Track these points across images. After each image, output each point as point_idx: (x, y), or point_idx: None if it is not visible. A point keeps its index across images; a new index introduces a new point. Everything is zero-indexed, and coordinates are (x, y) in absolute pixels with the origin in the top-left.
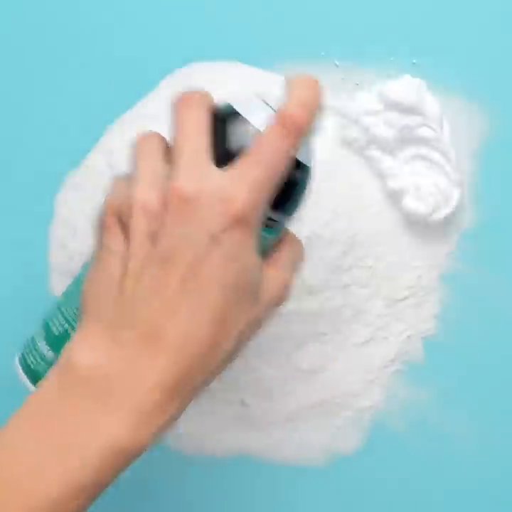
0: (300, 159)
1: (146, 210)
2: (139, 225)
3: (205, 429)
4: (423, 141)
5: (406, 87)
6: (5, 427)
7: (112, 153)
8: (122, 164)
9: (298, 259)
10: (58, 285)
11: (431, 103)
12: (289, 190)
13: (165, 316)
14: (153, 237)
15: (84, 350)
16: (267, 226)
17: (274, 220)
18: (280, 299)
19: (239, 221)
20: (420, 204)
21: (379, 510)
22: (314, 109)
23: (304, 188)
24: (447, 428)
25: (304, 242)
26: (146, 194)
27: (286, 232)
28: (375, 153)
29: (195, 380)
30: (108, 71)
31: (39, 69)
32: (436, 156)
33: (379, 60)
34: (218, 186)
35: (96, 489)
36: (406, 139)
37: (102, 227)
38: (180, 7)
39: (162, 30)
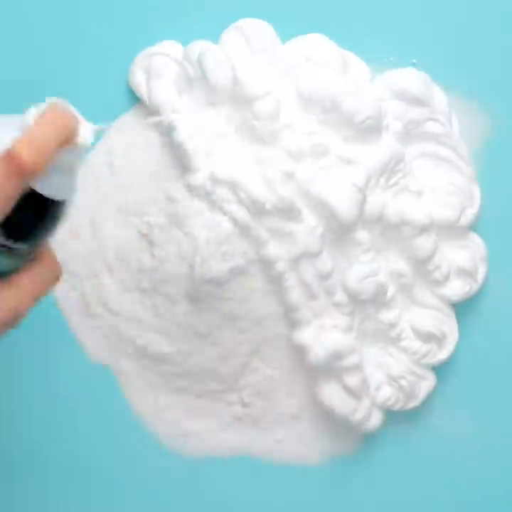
0: (43, 191)
1: None
2: None
3: (205, 429)
4: (430, 137)
5: (412, 76)
6: None
7: (112, 153)
8: (122, 164)
9: (43, 284)
10: (58, 285)
11: (439, 95)
12: (27, 220)
13: None
14: None
15: None
16: (2, 251)
17: (11, 247)
18: (5, 322)
19: None
20: (445, 209)
21: (379, 511)
22: (48, 150)
23: (48, 219)
24: (448, 428)
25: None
26: None
27: (41, 255)
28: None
29: None
30: (108, 71)
31: (39, 68)
32: (445, 152)
33: (379, 60)
34: None
35: None
36: (411, 135)
37: None
38: (181, 7)
39: (162, 30)
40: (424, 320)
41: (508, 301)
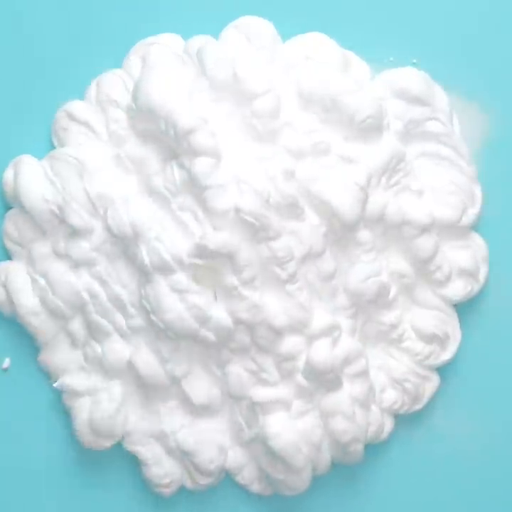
0: None
1: None
2: None
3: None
4: (431, 137)
5: (413, 75)
6: None
7: None
8: None
9: None
10: None
11: (440, 94)
12: None
13: None
14: None
15: None
16: None
17: None
18: None
19: None
20: (446, 208)
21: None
22: None
23: None
24: (449, 429)
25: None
26: None
27: None
28: None
29: None
30: (106, 66)
31: (36, 65)
32: (446, 151)
33: (379, 60)
34: None
35: None
36: (412, 135)
37: None
38: (181, 4)
39: (162, 26)
40: (426, 321)
41: (509, 301)
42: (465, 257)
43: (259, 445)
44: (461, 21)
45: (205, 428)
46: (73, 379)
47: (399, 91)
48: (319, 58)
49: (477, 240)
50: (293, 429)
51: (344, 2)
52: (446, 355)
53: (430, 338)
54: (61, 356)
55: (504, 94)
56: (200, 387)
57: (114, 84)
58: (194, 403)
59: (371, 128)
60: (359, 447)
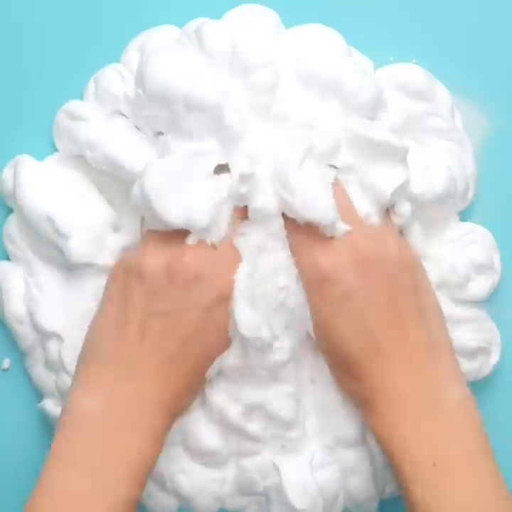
0: None
1: (151, 272)
2: (144, 283)
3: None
4: (434, 132)
5: (414, 70)
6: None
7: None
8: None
9: None
10: None
11: (442, 90)
12: None
13: (160, 359)
14: (153, 295)
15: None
16: None
17: None
18: None
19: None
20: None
21: None
22: None
23: None
24: None
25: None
26: (154, 259)
27: None
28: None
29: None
30: (104, 61)
31: (38, 65)
32: (450, 146)
33: (378, 60)
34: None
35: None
36: (414, 129)
37: (110, 279)
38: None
39: (161, 18)
40: (465, 335)
41: (506, 300)
42: (476, 251)
43: (273, 496)
44: (462, 22)
45: (205, 477)
46: (50, 404)
47: (399, 85)
48: (321, 43)
49: (481, 232)
50: (312, 482)
51: (344, 3)
52: (494, 358)
53: (473, 353)
54: (38, 371)
55: (504, 94)
56: (209, 436)
57: (112, 78)
58: (201, 450)
59: (370, 109)
60: (373, 505)
